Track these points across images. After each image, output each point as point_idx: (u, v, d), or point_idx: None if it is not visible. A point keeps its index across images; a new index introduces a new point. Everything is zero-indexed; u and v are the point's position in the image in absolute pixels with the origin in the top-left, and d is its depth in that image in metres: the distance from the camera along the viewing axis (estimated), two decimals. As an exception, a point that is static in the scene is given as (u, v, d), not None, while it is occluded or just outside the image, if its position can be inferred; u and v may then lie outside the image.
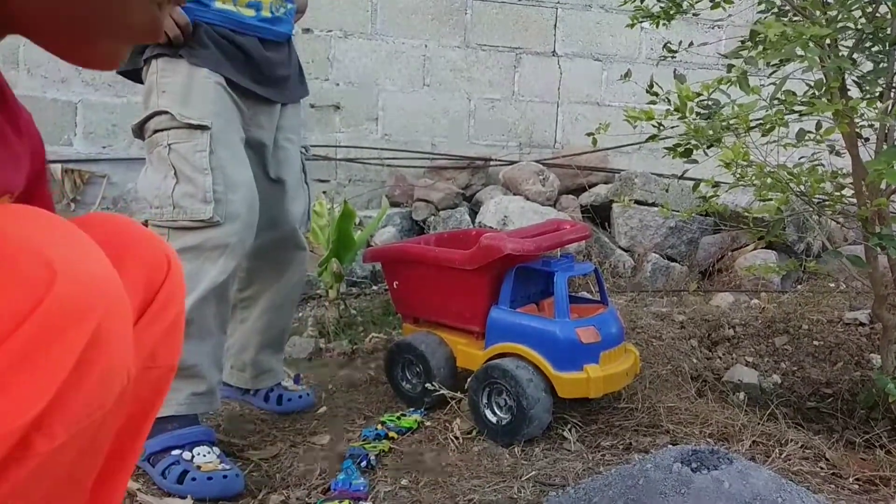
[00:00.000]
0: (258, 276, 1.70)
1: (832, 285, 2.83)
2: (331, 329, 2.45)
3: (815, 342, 2.17)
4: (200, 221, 1.37)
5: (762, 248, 3.05)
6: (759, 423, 1.53)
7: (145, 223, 1.41)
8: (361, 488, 1.32)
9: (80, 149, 3.36)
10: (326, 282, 2.60)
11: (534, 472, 1.37)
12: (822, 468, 1.36)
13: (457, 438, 1.55)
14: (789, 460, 1.37)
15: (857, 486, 1.30)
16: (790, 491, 1.03)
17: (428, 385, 1.67)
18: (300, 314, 2.74)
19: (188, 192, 1.37)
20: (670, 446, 1.16)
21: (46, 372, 0.47)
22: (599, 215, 3.39)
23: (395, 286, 1.84)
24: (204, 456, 1.34)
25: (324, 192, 3.66)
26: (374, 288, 3.09)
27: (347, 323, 2.52)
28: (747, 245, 3.12)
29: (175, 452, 1.35)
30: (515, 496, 1.28)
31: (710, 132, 1.72)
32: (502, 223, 3.16)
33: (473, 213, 3.45)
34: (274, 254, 1.67)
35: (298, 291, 1.78)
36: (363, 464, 1.42)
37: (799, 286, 2.92)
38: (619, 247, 3.25)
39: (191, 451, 1.35)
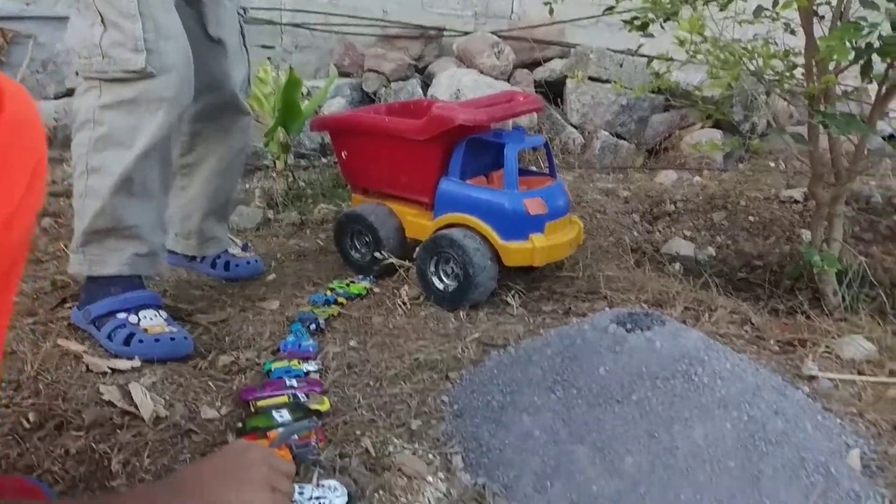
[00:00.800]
0: (200, 141, 1.65)
1: (772, 164, 2.91)
2: (279, 200, 2.42)
3: (751, 218, 2.25)
4: (133, 72, 1.29)
5: (709, 126, 3.09)
6: (691, 291, 1.61)
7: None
8: (310, 349, 1.35)
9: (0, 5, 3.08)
10: (273, 152, 2.54)
11: (477, 334, 1.43)
12: (746, 331, 1.46)
13: (404, 304, 1.59)
14: (717, 324, 1.46)
15: (777, 348, 1.40)
16: (717, 350, 1.10)
17: (377, 254, 1.69)
18: (247, 185, 2.69)
19: (117, 40, 1.28)
20: (607, 309, 1.22)
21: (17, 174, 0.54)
22: (553, 91, 3.35)
23: (343, 156, 1.81)
24: (150, 319, 1.35)
25: (268, 59, 3.50)
26: (324, 160, 3.03)
27: (296, 195, 2.49)
28: (695, 124, 3.16)
29: (120, 316, 1.34)
30: (459, 355, 1.34)
31: (668, 4, 1.68)
32: (455, 97, 3.10)
33: (426, 86, 3.37)
34: (215, 118, 1.61)
35: (242, 158, 1.73)
36: (312, 327, 1.45)
37: (740, 165, 2.99)
38: (571, 124, 3.24)
39: (136, 314, 1.35)
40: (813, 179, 1.69)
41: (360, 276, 1.75)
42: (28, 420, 1.10)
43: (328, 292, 1.64)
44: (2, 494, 0.89)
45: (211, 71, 1.53)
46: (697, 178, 2.76)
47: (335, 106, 3.29)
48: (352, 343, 1.41)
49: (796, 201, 2.36)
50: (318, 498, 0.92)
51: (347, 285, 1.68)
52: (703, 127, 3.12)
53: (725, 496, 0.91)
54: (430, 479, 1.01)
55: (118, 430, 1.10)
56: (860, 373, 1.29)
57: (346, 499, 0.93)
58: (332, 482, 0.96)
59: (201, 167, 1.67)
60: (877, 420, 1.13)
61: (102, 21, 1.28)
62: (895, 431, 1.11)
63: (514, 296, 1.58)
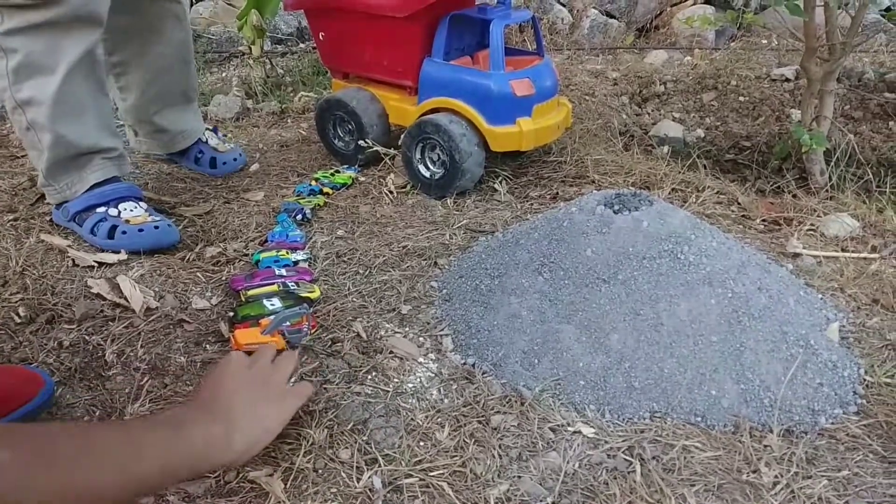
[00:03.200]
0: (127, 39, 1.50)
1: (764, 42, 2.83)
2: (257, 89, 2.34)
3: (741, 98, 2.21)
4: None
5: (702, 2, 2.97)
6: (679, 173, 1.60)
7: None
8: (298, 239, 1.35)
9: None
10: (248, 37, 2.42)
11: (465, 221, 1.42)
12: (733, 211, 1.46)
13: (391, 193, 1.57)
14: (704, 204, 1.46)
15: (762, 227, 1.41)
16: (703, 229, 1.10)
17: (361, 142, 1.65)
18: (223, 74, 2.60)
19: None
20: (595, 192, 1.21)
21: None
22: (539, -34, 3.18)
23: (321, 38, 1.73)
24: (131, 211, 1.33)
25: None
26: (302, 46, 2.91)
27: (275, 83, 2.41)
28: (686, 0, 3.03)
29: (100, 210, 1.32)
30: (447, 242, 1.34)
31: None
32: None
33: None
34: (138, 8, 1.46)
35: (187, 50, 1.60)
36: (299, 217, 1.44)
37: (732, 43, 2.90)
38: (559, 2, 3.11)
39: (116, 207, 1.33)
40: (806, 54, 1.64)
41: (345, 166, 1.72)
42: (18, 315, 1.11)
43: (313, 182, 1.61)
44: (3, 381, 0.91)
45: None
46: (688, 57, 2.68)
47: (311, -13, 3.12)
48: (339, 232, 1.40)
49: (787, 80, 2.31)
50: None
51: (332, 175, 1.65)
52: (695, 3, 3.00)
53: (708, 369, 0.94)
54: (421, 360, 1.03)
55: (110, 323, 1.11)
56: (843, 250, 1.31)
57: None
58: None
59: (137, 68, 1.54)
60: (857, 294, 1.16)
61: None
62: (874, 305, 1.14)
63: (501, 182, 1.57)
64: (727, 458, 0.86)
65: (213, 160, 1.68)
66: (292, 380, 0.92)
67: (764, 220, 1.43)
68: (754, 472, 0.84)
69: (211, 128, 1.78)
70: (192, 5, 3.09)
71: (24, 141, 1.32)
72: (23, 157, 1.72)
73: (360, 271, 1.26)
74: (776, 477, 0.83)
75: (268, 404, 0.82)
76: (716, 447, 0.87)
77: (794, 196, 1.54)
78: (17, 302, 1.14)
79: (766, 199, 1.55)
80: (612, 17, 3.09)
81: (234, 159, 1.70)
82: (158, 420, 0.79)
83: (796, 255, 1.28)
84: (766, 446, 0.87)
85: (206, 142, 1.70)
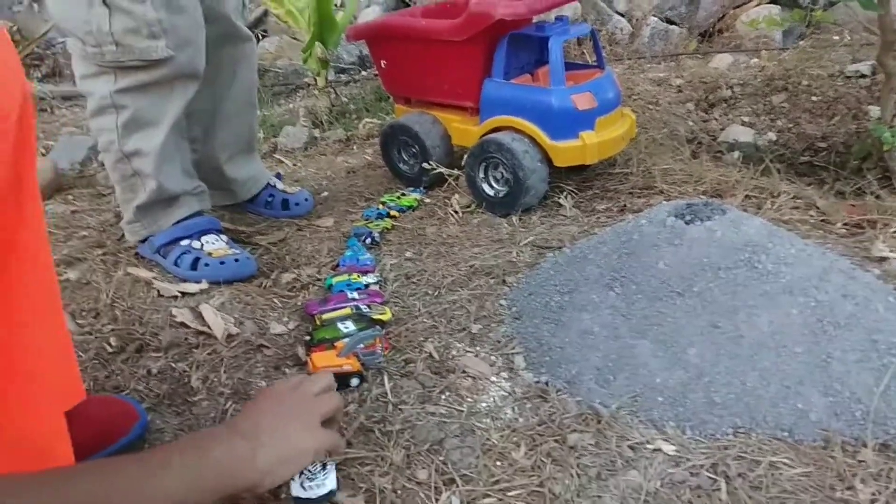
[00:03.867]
0: (205, 87, 1.44)
1: (836, 38, 2.72)
2: (323, 118, 2.41)
3: (814, 98, 2.13)
4: (153, 61, 1.24)
5: (766, 2, 2.89)
6: (752, 179, 1.55)
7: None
8: (368, 262, 1.37)
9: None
10: (313, 69, 2.51)
11: (532, 238, 1.42)
12: (811, 216, 1.41)
13: (456, 213, 1.58)
14: (780, 210, 1.41)
15: (844, 231, 1.35)
16: (780, 236, 1.07)
17: (425, 164, 1.68)
18: (291, 105, 2.69)
19: (129, 27, 1.21)
20: (664, 203, 1.19)
21: None
22: (595, -22, 3.17)
23: (382, 65, 1.77)
24: (213, 243, 1.39)
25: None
26: (364, 74, 2.99)
27: (340, 111, 2.48)
28: (750, 1, 2.96)
29: (184, 242, 1.39)
30: (514, 259, 1.34)
31: None
32: (492, -7, 2.96)
33: (461, -15, 3.23)
34: (215, 54, 1.43)
35: (254, 92, 1.61)
36: (368, 241, 1.47)
37: (801, 42, 2.81)
38: (617, 12, 3.08)
39: (199, 239, 1.39)
40: (882, 49, 1.57)
41: (411, 188, 1.75)
42: (110, 344, 1.17)
43: (380, 206, 1.64)
44: (98, 412, 0.96)
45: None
46: (755, 59, 2.61)
47: (371, 15, 3.21)
48: (408, 254, 1.42)
49: (863, 76, 2.21)
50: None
51: (398, 198, 1.68)
52: (759, 4, 2.92)
53: (793, 381, 0.91)
54: (493, 378, 1.03)
55: (194, 350, 1.16)
56: (934, 251, 1.24)
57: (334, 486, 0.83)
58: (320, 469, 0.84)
59: (210, 116, 1.53)
60: (952, 297, 1.09)
61: (105, 2, 1.20)
62: (972, 308, 1.07)
63: (566, 196, 1.56)
64: (818, 475, 0.82)
65: (285, 202, 1.66)
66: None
67: (846, 224, 1.37)
68: (849, 489, 0.80)
69: (276, 174, 1.78)
70: (258, 41, 3.22)
71: (121, 187, 1.39)
72: (108, 194, 1.82)
73: (430, 292, 1.28)
74: (873, 494, 0.79)
75: (298, 426, 0.79)
76: (805, 463, 0.84)
77: (877, 197, 1.47)
78: (108, 333, 1.20)
79: (847, 201, 1.48)
80: (672, 23, 3.04)
81: (306, 199, 1.68)
82: (185, 441, 0.80)
83: (883, 259, 1.22)
84: (860, 461, 0.83)
85: (275, 186, 1.70)
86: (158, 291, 1.32)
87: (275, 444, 0.76)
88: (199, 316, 1.23)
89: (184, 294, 1.31)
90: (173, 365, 1.12)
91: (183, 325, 1.22)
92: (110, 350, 1.16)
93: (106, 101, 1.30)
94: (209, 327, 1.20)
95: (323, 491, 0.81)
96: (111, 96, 1.29)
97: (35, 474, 0.62)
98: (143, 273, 1.38)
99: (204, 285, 1.33)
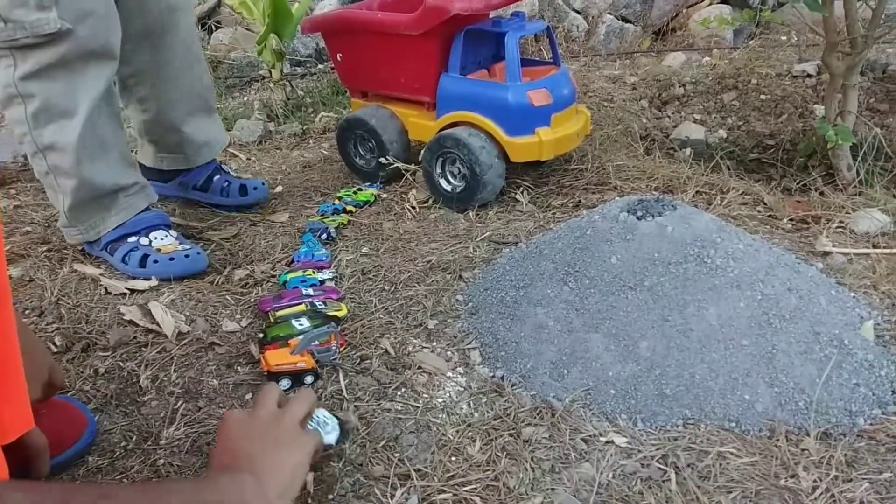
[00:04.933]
0: (140, 44, 1.41)
1: (784, 38, 2.80)
2: (279, 111, 2.38)
3: (763, 96, 2.19)
4: (47, 35, 1.14)
5: (717, 2, 2.95)
6: (703, 175, 1.59)
7: None
8: (324, 258, 1.36)
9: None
10: (268, 61, 2.46)
11: (488, 233, 1.43)
12: (759, 212, 1.44)
13: (413, 208, 1.58)
14: (729, 206, 1.45)
15: (790, 226, 1.39)
16: (729, 232, 1.09)
17: (382, 159, 1.67)
18: (245, 98, 2.64)
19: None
20: (617, 199, 1.20)
21: None
22: (552, -25, 3.19)
23: (338, 59, 1.75)
24: (161, 239, 1.35)
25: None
26: (320, 67, 2.95)
27: (296, 105, 2.44)
28: (702, 0, 3.02)
29: (132, 239, 1.35)
30: (471, 255, 1.35)
31: None
32: (450, -12, 2.96)
33: (418, -21, 3.22)
34: (147, 6, 1.37)
35: (197, 45, 1.52)
36: (323, 236, 1.45)
37: (751, 41, 2.88)
38: (573, 9, 3.11)
39: (147, 235, 1.35)
40: (827, 49, 1.62)
41: (367, 183, 1.73)
42: (55, 343, 1.13)
43: (336, 201, 1.63)
44: (44, 418, 0.92)
45: None
46: (707, 58, 2.66)
47: (327, 7, 3.17)
48: (364, 250, 1.42)
49: (809, 75, 2.28)
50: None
51: (355, 193, 1.67)
52: (711, 3, 2.98)
53: (740, 373, 0.93)
54: (449, 374, 1.04)
55: (143, 349, 1.13)
56: (874, 246, 1.28)
57: (337, 433, 0.88)
58: (322, 413, 0.90)
59: (153, 75, 1.44)
60: (890, 291, 1.14)
61: None
62: (909, 300, 1.12)
63: (522, 192, 1.57)
64: (764, 464, 0.84)
65: (243, 187, 1.60)
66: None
67: (791, 220, 1.41)
68: (792, 476, 0.82)
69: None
70: (211, 32, 3.15)
71: (44, 183, 1.31)
72: (54, 189, 1.76)
73: (386, 287, 1.27)
74: (815, 481, 0.81)
75: (284, 448, 0.77)
76: (752, 453, 0.86)
77: (822, 193, 1.52)
78: (53, 332, 1.17)
79: (793, 197, 1.53)
80: (627, 21, 3.08)
81: (262, 184, 1.63)
82: (182, 480, 0.76)
83: (826, 254, 1.26)
84: (803, 450, 0.86)
85: (228, 172, 1.66)
86: (106, 289, 1.29)
87: (273, 472, 0.74)
88: (149, 314, 1.20)
89: (132, 291, 1.28)
90: (121, 364, 1.09)
91: (131, 323, 1.19)
92: (55, 349, 1.13)
93: (11, 91, 1.20)
94: (159, 325, 1.17)
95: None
96: (15, 85, 1.19)
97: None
98: (90, 270, 1.35)
99: (153, 282, 1.30)
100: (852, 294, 1.12)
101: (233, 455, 0.76)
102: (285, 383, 1.02)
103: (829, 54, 1.61)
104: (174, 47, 1.45)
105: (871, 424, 0.89)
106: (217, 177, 1.62)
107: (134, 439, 0.95)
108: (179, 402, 1.01)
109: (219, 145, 1.63)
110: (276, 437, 0.79)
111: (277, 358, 1.03)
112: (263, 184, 1.64)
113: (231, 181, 1.62)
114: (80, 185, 1.28)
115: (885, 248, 1.27)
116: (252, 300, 1.26)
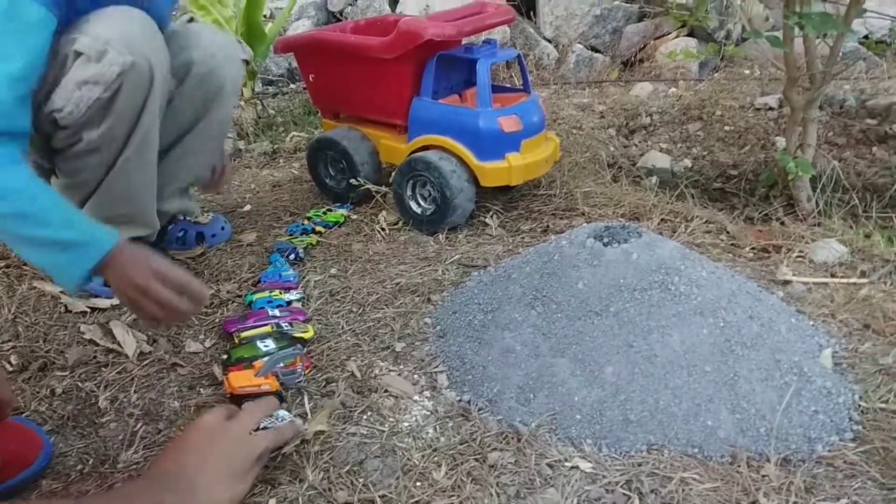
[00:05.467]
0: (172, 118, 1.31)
1: (747, 72, 2.88)
2: (249, 130, 2.37)
3: (727, 127, 2.24)
4: None
5: (684, 35, 3.03)
6: (668, 203, 1.62)
7: None
8: (291, 279, 1.35)
9: None
10: (239, 80, 2.45)
11: (457, 256, 1.43)
12: (722, 240, 1.47)
13: (383, 230, 1.58)
14: (694, 234, 1.47)
15: (752, 255, 1.42)
16: (692, 259, 1.11)
17: (353, 180, 1.67)
18: (214, 116, 2.62)
19: None
20: (584, 225, 1.22)
21: None
22: (526, 4, 3.25)
23: (311, 79, 1.76)
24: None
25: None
26: (292, 86, 2.95)
27: (267, 124, 2.43)
28: (669, 33, 3.10)
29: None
30: (440, 278, 1.35)
31: None
32: (425, 11, 3.00)
33: (395, 3, 3.25)
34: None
35: (225, 129, 1.48)
36: (291, 257, 1.44)
37: (716, 74, 2.96)
38: (544, 38, 3.16)
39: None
40: (788, 84, 1.67)
41: (337, 204, 1.73)
42: (10, 363, 1.10)
43: (305, 221, 1.62)
44: (5, 447, 0.89)
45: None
46: (673, 89, 2.73)
47: (300, 28, 3.18)
48: (332, 271, 1.41)
49: (771, 108, 2.35)
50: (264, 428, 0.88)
51: (325, 213, 1.66)
52: (678, 36, 3.07)
53: (703, 399, 0.94)
54: (416, 397, 1.03)
55: (103, 368, 1.10)
56: (833, 275, 1.32)
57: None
58: (283, 413, 0.93)
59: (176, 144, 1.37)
60: (848, 320, 1.17)
61: None
62: (865, 330, 1.14)
63: (492, 216, 1.58)
64: (725, 490, 0.85)
65: (199, 235, 1.51)
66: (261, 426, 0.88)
67: (753, 248, 1.44)
68: (753, 502, 0.83)
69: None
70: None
71: None
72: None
73: (354, 309, 1.26)
74: (775, 507, 0.82)
75: (225, 457, 0.78)
76: (714, 478, 0.87)
77: (782, 223, 1.56)
78: (8, 350, 1.14)
79: (755, 227, 1.56)
80: (597, 51, 3.15)
81: (222, 228, 1.55)
82: (112, 496, 0.76)
83: (786, 282, 1.29)
84: (763, 476, 0.87)
85: (185, 218, 1.53)
86: (66, 307, 1.26)
87: (207, 485, 0.75)
88: (109, 333, 1.17)
89: (93, 310, 1.26)
90: (80, 384, 1.07)
91: (91, 342, 1.16)
92: (10, 369, 1.09)
93: None
94: (120, 345, 1.15)
95: None
96: None
97: None
98: (50, 287, 1.31)
99: (115, 300, 1.27)
100: (811, 322, 1.15)
101: (164, 469, 0.77)
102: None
103: (790, 88, 1.66)
104: (207, 128, 1.37)
105: (829, 451, 0.91)
106: (171, 226, 1.50)
107: (91, 462, 0.92)
108: (139, 424, 0.99)
109: (190, 216, 1.53)
110: (219, 447, 0.80)
111: (241, 380, 1.02)
112: (223, 228, 1.55)
113: (188, 229, 1.51)
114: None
115: (842, 277, 1.31)
116: (217, 320, 1.24)
